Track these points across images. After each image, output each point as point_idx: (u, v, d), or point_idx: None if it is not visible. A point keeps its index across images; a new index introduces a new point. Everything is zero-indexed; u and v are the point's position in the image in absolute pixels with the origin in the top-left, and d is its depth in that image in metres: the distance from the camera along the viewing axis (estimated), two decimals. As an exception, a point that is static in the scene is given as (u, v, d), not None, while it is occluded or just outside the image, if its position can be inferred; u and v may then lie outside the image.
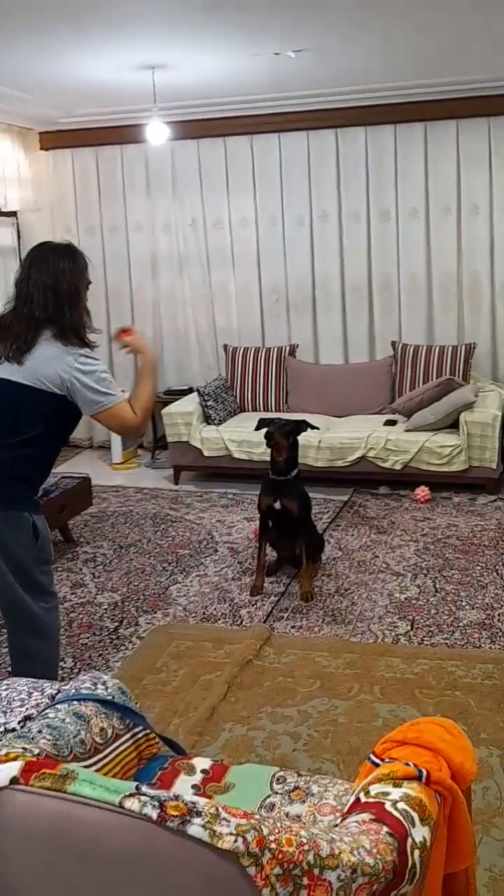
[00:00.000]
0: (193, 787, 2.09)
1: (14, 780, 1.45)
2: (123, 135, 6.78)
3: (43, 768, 1.46)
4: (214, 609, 4.12)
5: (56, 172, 7.18)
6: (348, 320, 6.71)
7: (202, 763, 2.19)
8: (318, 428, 4.58)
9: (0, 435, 2.65)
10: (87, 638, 3.86)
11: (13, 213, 7.12)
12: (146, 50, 4.76)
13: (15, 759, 1.55)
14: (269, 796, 2.07)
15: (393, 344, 6.44)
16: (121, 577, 4.52)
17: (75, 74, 5.32)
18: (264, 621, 3.96)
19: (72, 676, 3.40)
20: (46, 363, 2.61)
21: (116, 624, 3.99)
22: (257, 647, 3.64)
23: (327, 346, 6.76)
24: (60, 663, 3.58)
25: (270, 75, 5.51)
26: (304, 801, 2.04)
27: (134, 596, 4.29)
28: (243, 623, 3.96)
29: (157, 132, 5.74)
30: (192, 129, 6.62)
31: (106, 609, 4.15)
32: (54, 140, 7.05)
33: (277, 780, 2.13)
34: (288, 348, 6.62)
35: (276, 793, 2.08)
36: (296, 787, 2.10)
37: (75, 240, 7.09)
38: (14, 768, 1.46)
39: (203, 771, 2.15)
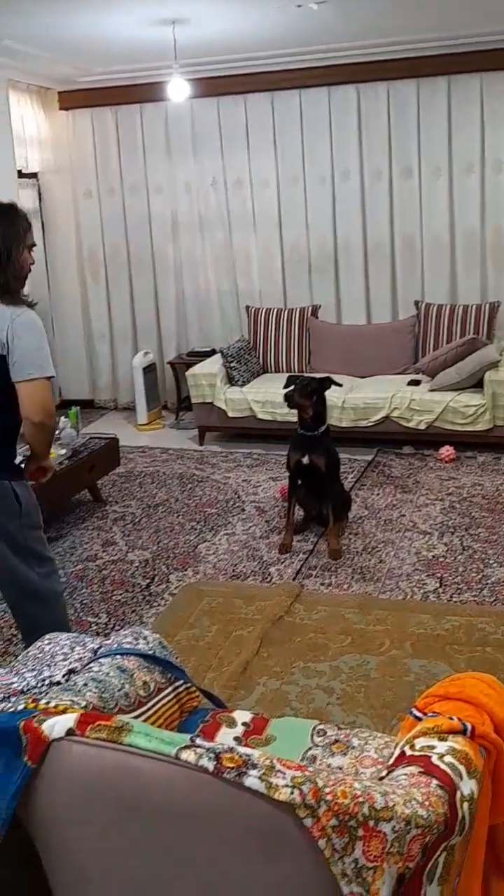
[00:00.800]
0: (235, 739, 2.13)
1: (70, 732, 1.48)
2: (143, 93, 6.72)
3: (98, 720, 1.48)
4: (244, 567, 4.18)
5: (76, 133, 7.12)
6: (371, 280, 6.67)
7: (243, 716, 2.24)
8: (341, 385, 4.59)
9: None
10: (121, 594, 3.93)
11: (34, 175, 7.09)
12: (167, 4, 4.69)
13: (64, 711, 1.59)
14: (309, 748, 2.10)
15: (416, 303, 6.41)
16: (150, 536, 4.58)
17: (94, 31, 5.25)
18: (293, 579, 4.01)
19: (107, 632, 3.48)
20: None
21: (148, 581, 4.05)
22: (288, 604, 3.70)
23: (350, 306, 6.73)
24: (95, 619, 3.67)
25: (292, 29, 5.43)
26: (345, 754, 2.08)
27: (164, 554, 4.35)
28: (273, 580, 4.02)
29: (179, 89, 5.68)
30: (212, 86, 6.54)
31: (137, 567, 4.22)
32: (73, 100, 6.98)
33: (318, 732, 2.17)
34: (310, 309, 6.60)
35: (317, 745, 2.12)
36: (336, 740, 2.13)
37: (96, 201, 7.13)
38: (70, 720, 1.49)
39: (244, 724, 2.20)
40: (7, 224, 2.63)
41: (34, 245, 2.72)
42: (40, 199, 7.30)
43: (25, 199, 6.83)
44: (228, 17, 5.08)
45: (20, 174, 6.52)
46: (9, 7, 4.62)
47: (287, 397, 4.28)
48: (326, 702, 3.01)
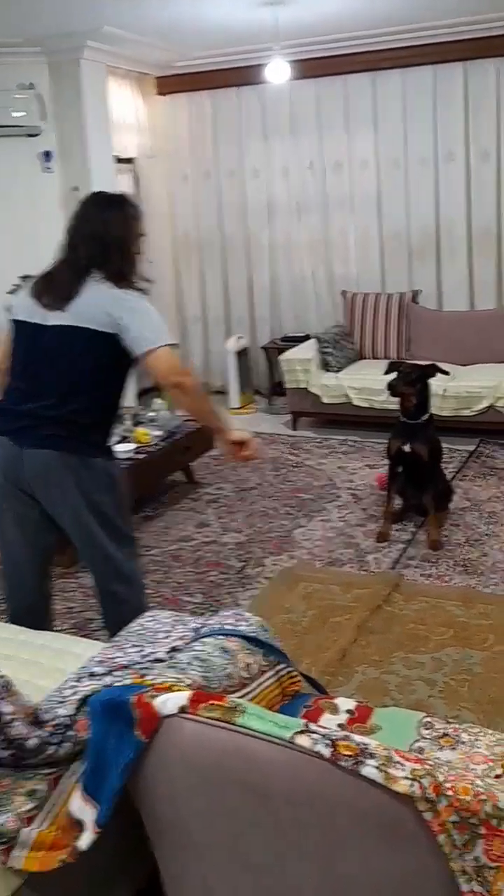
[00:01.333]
0: (339, 726, 2.07)
1: (182, 709, 1.46)
2: (239, 77, 6.65)
3: (211, 699, 1.47)
4: (340, 553, 4.09)
5: (173, 117, 7.12)
6: (474, 265, 6.45)
7: (346, 703, 2.17)
8: (447, 373, 4.42)
9: (61, 382, 2.60)
10: (215, 576, 3.89)
11: (130, 160, 7.13)
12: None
13: (170, 688, 1.56)
14: (416, 741, 2.02)
15: (522, 289, 6.18)
16: (244, 519, 4.54)
17: (193, 15, 5.23)
18: (392, 568, 3.91)
19: (202, 612, 3.46)
20: (93, 304, 2.55)
21: (243, 563, 4.01)
22: (386, 593, 3.60)
23: (452, 291, 6.53)
24: (190, 598, 3.65)
25: (395, 6, 5.27)
26: (454, 749, 1.99)
27: (258, 537, 4.30)
28: (370, 569, 3.92)
29: (279, 70, 5.60)
30: (310, 67, 6.41)
31: (231, 549, 4.18)
32: (171, 84, 6.98)
33: (425, 725, 2.09)
34: (410, 294, 6.44)
35: (424, 738, 2.04)
36: (444, 734, 2.05)
37: (191, 186, 7.13)
38: (183, 697, 1.48)
39: (347, 711, 2.13)
40: (120, 211, 2.67)
41: (144, 234, 2.74)
42: (137, 185, 7.33)
43: (122, 185, 6.87)
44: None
45: (118, 160, 6.56)
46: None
47: (390, 386, 4.15)
48: (428, 694, 2.90)
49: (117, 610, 2.82)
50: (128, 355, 2.58)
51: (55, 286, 2.62)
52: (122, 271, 2.61)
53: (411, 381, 4.16)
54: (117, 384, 2.70)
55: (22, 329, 2.66)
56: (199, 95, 6.98)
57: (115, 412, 2.76)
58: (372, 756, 1.34)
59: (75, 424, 2.61)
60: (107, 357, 2.59)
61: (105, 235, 2.61)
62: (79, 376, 2.59)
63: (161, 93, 7.06)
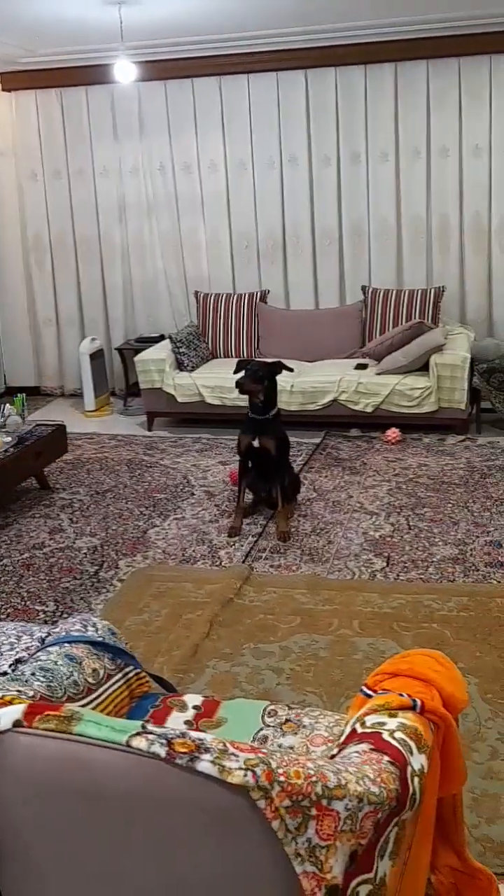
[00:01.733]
0: (186, 723, 2.13)
1: (17, 724, 1.44)
2: (88, 75, 6.61)
3: (46, 710, 1.45)
4: (193, 551, 4.18)
5: (19, 115, 6.99)
6: (319, 265, 6.69)
7: (193, 699, 2.24)
8: (292, 370, 4.60)
9: None
10: (69, 582, 3.90)
11: (-24, 157, 6.94)
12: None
13: (10, 702, 1.55)
14: (261, 729, 2.11)
15: (363, 288, 6.45)
16: (99, 522, 4.55)
17: (39, 11, 5.14)
18: (243, 561, 4.03)
19: (55, 620, 3.45)
20: None
21: (96, 567, 4.03)
22: (237, 587, 3.71)
23: (298, 291, 6.74)
24: (42, 607, 3.64)
25: (240, 12, 5.38)
26: (295, 733, 2.09)
27: (113, 540, 4.33)
28: (222, 563, 4.03)
29: (125, 71, 5.61)
30: (160, 69, 6.46)
31: (85, 553, 4.19)
32: (16, 81, 6.84)
33: (269, 713, 2.18)
34: (259, 294, 6.60)
35: (268, 726, 2.13)
36: (287, 720, 2.15)
37: (41, 184, 7.01)
38: (17, 711, 1.45)
39: (195, 707, 2.20)
40: None
41: None
42: (-17, 182, 7.15)
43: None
44: (175, -2, 5.01)
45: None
46: None
47: (238, 384, 4.28)
48: (276, 682, 3.03)
49: None
50: None
51: None
52: None
53: (258, 379, 4.30)
54: None
55: None
56: (46, 93, 6.88)
57: None
58: (207, 750, 1.35)
59: None
60: None
61: None
62: None
63: (7, 89, 6.91)
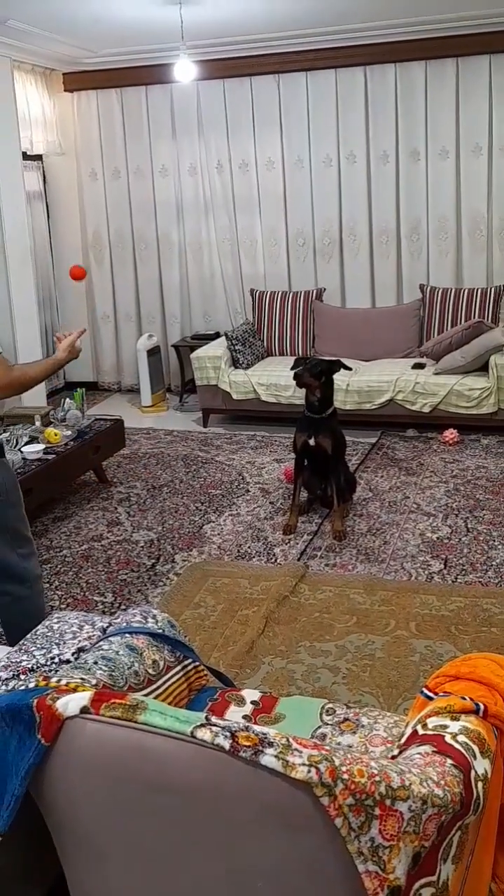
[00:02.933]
0: (244, 717, 2.13)
1: (84, 710, 1.46)
2: (148, 75, 6.68)
3: (113, 698, 1.47)
4: (248, 547, 4.19)
5: (80, 114, 7.09)
6: (376, 264, 6.65)
7: (251, 695, 2.25)
8: (351, 368, 4.57)
9: None
10: (126, 574, 3.94)
11: (39, 157, 7.05)
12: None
13: (75, 689, 1.58)
14: (319, 727, 2.11)
15: (421, 287, 6.39)
16: (155, 517, 4.60)
17: (101, 12, 5.21)
18: (298, 559, 4.03)
19: (112, 611, 3.50)
20: None
21: (153, 561, 4.07)
22: (293, 584, 3.71)
23: (354, 289, 6.71)
24: (101, 598, 3.69)
25: (300, 10, 5.38)
26: (354, 733, 2.08)
27: (169, 534, 4.36)
28: (277, 561, 4.03)
29: (185, 70, 5.64)
30: (218, 68, 6.49)
31: (143, 547, 4.23)
32: (78, 81, 6.94)
33: (327, 711, 2.17)
34: (315, 292, 6.58)
35: (326, 724, 2.12)
36: (345, 719, 2.14)
37: (100, 183, 7.09)
38: (84, 698, 1.47)
39: (253, 702, 2.20)
40: None
41: None
42: (45, 182, 7.26)
43: (30, 182, 6.80)
44: (236, -3, 5.03)
45: (25, 156, 6.48)
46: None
47: (296, 376, 4.29)
48: (332, 681, 3.02)
49: (11, 609, 2.86)
50: None
51: None
52: None
53: (316, 374, 4.29)
54: None
55: None
56: (107, 93, 6.97)
57: None
58: (271, 745, 1.35)
59: None
60: None
61: None
62: None
63: (69, 89, 7.01)
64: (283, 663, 3.14)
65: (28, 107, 6.51)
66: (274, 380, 5.87)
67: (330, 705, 2.20)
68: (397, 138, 6.39)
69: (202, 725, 1.40)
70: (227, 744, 1.37)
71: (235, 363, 6.20)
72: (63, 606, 3.61)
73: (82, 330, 3.21)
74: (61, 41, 6.01)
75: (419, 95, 6.26)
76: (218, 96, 6.69)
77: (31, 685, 1.87)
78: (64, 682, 1.70)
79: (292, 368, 4.38)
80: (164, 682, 2.12)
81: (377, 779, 1.36)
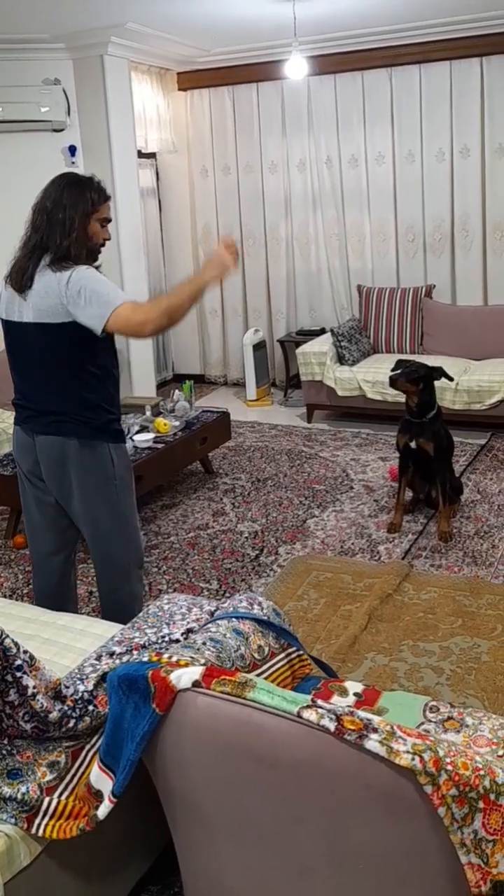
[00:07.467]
0: (346, 707, 2.14)
1: (196, 684, 1.51)
2: (259, 72, 6.73)
3: (223, 674, 1.51)
4: (352, 544, 4.18)
5: (193, 113, 7.20)
6: (489, 260, 6.49)
7: (354, 686, 2.24)
8: (452, 379, 4.42)
9: (49, 378, 2.65)
10: (231, 563, 4.00)
11: (152, 155, 7.22)
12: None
13: (186, 665, 1.63)
14: (422, 723, 2.08)
15: (535, 284, 6.21)
16: (259, 508, 4.64)
17: (215, 11, 5.29)
18: (402, 558, 3.99)
19: (217, 598, 3.54)
20: (45, 296, 2.55)
21: (257, 552, 4.11)
22: (397, 583, 3.68)
23: (466, 286, 6.57)
24: (206, 584, 3.75)
25: (413, 2, 5.30)
26: (458, 731, 2.05)
27: (272, 527, 4.39)
28: (381, 559, 4.00)
29: (297, 67, 5.64)
30: (329, 63, 6.48)
31: (247, 537, 4.28)
32: (192, 80, 7.06)
33: (430, 709, 2.15)
34: (424, 289, 6.49)
35: (430, 721, 2.10)
36: (449, 717, 2.10)
37: (211, 180, 7.19)
38: (196, 672, 1.52)
39: (356, 694, 2.20)
40: (76, 193, 2.62)
41: (109, 220, 2.70)
42: (158, 179, 7.43)
43: (143, 179, 6.96)
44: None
45: (139, 154, 6.64)
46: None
47: (392, 380, 4.18)
48: (435, 681, 2.98)
49: (111, 596, 2.90)
50: (93, 336, 2.56)
51: (15, 272, 2.63)
52: (66, 252, 2.57)
53: (414, 380, 4.16)
54: (101, 362, 2.68)
55: (8, 328, 2.70)
56: (219, 91, 7.06)
57: (109, 390, 2.74)
58: (375, 731, 1.37)
59: (76, 411, 2.66)
60: (79, 341, 2.58)
61: (53, 213, 2.58)
62: (60, 367, 2.63)
63: (182, 88, 7.14)
64: (385, 660, 3.12)
65: (143, 106, 6.67)
66: (380, 377, 5.81)
67: (434, 703, 2.17)
68: (513, 131, 6.23)
69: (308, 707, 1.43)
70: (332, 726, 1.39)
71: (341, 359, 6.18)
72: (170, 590, 3.69)
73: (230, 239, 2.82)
74: (177, 41, 6.13)
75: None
76: (329, 91, 6.68)
77: (146, 659, 1.92)
78: (175, 658, 1.75)
79: (393, 370, 4.28)
80: (269, 668, 2.15)
81: (482, 773, 1.35)
